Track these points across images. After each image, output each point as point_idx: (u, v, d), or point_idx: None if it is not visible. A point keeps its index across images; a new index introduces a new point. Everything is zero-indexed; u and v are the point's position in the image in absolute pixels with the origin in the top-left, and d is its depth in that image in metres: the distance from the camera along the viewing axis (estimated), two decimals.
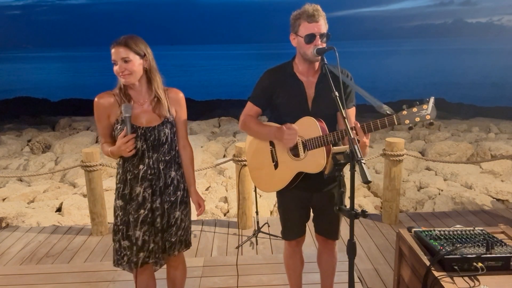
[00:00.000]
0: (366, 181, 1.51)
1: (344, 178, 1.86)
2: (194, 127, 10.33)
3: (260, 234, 3.84)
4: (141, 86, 2.08)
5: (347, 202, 1.86)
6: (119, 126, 2.04)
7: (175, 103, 2.16)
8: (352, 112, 2.17)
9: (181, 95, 2.19)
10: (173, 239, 2.19)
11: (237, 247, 3.67)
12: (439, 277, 1.73)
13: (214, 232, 4.01)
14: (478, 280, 1.71)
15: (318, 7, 1.97)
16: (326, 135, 1.96)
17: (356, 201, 5.13)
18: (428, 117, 1.72)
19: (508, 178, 5.80)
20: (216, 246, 3.74)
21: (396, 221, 4.10)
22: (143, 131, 2.04)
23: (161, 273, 2.44)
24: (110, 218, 4.20)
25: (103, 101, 2.05)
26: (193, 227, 4.03)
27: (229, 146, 8.06)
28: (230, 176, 6.10)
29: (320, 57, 2.00)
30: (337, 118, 2.13)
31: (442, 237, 1.98)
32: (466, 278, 1.73)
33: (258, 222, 3.82)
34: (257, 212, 3.83)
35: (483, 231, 2.02)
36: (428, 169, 6.50)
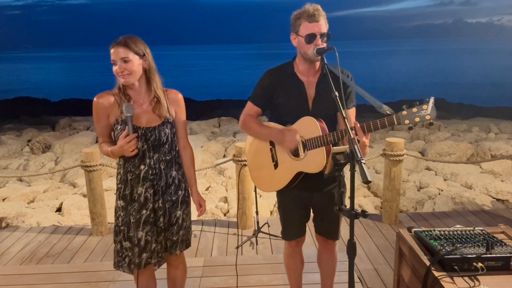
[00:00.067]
0: (366, 181, 1.51)
1: (344, 178, 1.86)
2: (194, 127, 10.33)
3: (260, 234, 3.84)
4: (140, 86, 2.08)
5: (347, 202, 1.86)
6: (119, 126, 2.04)
7: (175, 104, 2.16)
8: (352, 112, 2.17)
9: (180, 96, 2.20)
10: (174, 238, 2.20)
11: (237, 247, 3.67)
12: (439, 277, 1.73)
13: (214, 232, 4.01)
14: (478, 280, 1.71)
15: (319, 6, 1.97)
16: (326, 135, 1.96)
17: (356, 201, 5.13)
18: (428, 117, 1.72)
19: (508, 178, 5.80)
20: (216, 246, 3.74)
21: (396, 221, 4.10)
22: (143, 131, 2.04)
23: (161, 273, 2.44)
24: (110, 218, 4.20)
25: (102, 100, 2.05)
26: (193, 227, 4.02)
27: (229, 146, 8.06)
28: (230, 176, 6.10)
29: (320, 57, 2.00)
30: (337, 118, 2.13)
31: (442, 237, 1.98)
32: (466, 278, 1.73)
33: (258, 222, 3.82)
34: (257, 212, 3.83)
35: (483, 231, 2.02)
36: (428, 169, 6.50)
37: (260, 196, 5.06)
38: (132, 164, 2.08)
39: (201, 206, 2.32)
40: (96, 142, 8.93)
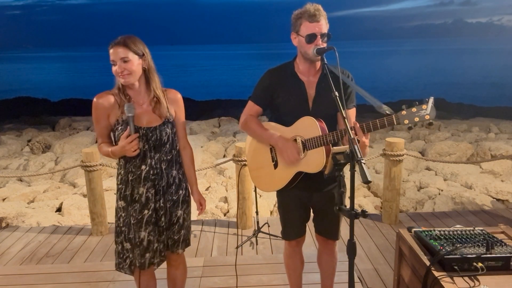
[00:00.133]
0: (366, 181, 1.51)
1: (344, 178, 1.86)
2: (194, 127, 10.33)
3: (260, 234, 3.84)
4: (140, 86, 2.08)
5: (347, 202, 1.86)
6: (120, 127, 2.03)
7: (174, 104, 2.17)
8: (352, 112, 2.17)
9: (179, 96, 2.20)
10: (176, 237, 2.21)
11: (237, 247, 3.67)
12: (439, 277, 1.73)
13: (214, 232, 4.01)
14: (478, 280, 1.71)
15: (320, 6, 1.97)
16: (325, 135, 1.96)
17: (356, 201, 5.13)
18: (427, 117, 1.72)
19: (508, 178, 5.80)
20: (216, 246, 3.74)
21: (396, 221, 4.10)
22: (144, 131, 2.04)
23: (161, 273, 2.44)
24: (110, 218, 4.20)
25: (102, 101, 2.05)
26: (193, 227, 4.04)
27: (229, 146, 8.06)
28: (230, 176, 6.10)
29: (320, 57, 2.00)
30: (337, 118, 2.13)
31: (442, 237, 1.98)
32: (466, 278, 1.73)
33: (258, 222, 3.82)
34: (257, 212, 3.83)
35: (483, 231, 2.02)
36: (428, 169, 6.50)
37: (260, 196, 5.06)
38: (133, 164, 2.08)
39: (201, 205, 2.32)
40: (96, 142, 8.91)
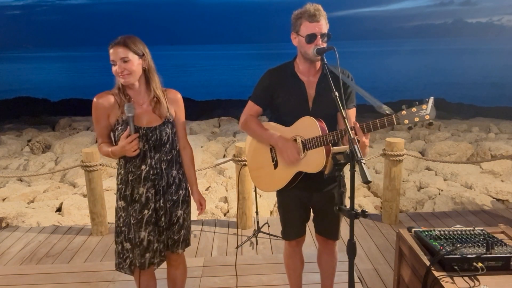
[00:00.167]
0: (366, 181, 1.51)
1: (344, 178, 1.86)
2: (194, 127, 10.32)
3: (260, 234, 3.84)
4: (140, 86, 2.08)
5: (347, 202, 1.86)
6: (120, 127, 2.03)
7: (174, 104, 2.17)
8: (352, 112, 2.17)
9: (179, 96, 2.20)
10: (176, 237, 2.21)
11: (237, 247, 3.67)
12: (439, 277, 1.73)
13: (214, 232, 4.01)
14: (478, 280, 1.71)
15: (320, 6, 1.97)
16: (325, 135, 1.96)
17: (356, 201, 5.13)
18: (427, 117, 1.72)
19: (508, 178, 5.80)
20: (216, 246, 3.74)
21: (396, 221, 4.10)
22: (144, 131, 2.04)
23: (161, 273, 2.44)
24: (110, 218, 4.20)
25: (102, 101, 2.05)
26: (193, 227, 4.04)
27: (229, 146, 8.06)
28: (230, 176, 6.10)
29: (320, 57, 2.00)
30: (337, 118, 2.13)
31: (442, 237, 1.98)
32: (466, 278, 1.73)
33: (258, 222, 3.82)
34: (257, 212, 3.83)
35: (483, 231, 2.02)
36: (428, 169, 6.50)
37: (260, 196, 5.06)
38: (133, 164, 2.08)
39: (201, 205, 2.33)
40: (96, 142, 8.91)
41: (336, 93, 1.79)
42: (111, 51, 1.95)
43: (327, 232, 2.34)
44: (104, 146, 2.10)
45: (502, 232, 2.14)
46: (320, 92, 2.11)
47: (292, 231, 2.36)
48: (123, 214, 2.12)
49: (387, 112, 1.76)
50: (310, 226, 2.38)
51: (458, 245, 1.84)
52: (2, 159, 7.70)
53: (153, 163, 2.08)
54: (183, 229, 2.23)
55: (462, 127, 9.70)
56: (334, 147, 1.77)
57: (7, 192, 5.67)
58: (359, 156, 1.59)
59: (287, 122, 2.12)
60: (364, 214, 1.58)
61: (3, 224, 4.55)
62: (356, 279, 3.07)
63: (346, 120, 1.72)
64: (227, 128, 10.13)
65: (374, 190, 5.61)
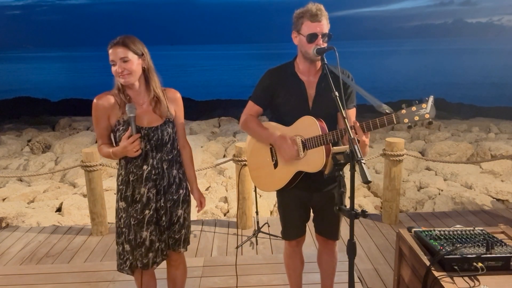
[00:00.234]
0: (366, 181, 1.51)
1: (344, 178, 1.86)
2: (194, 127, 10.32)
3: (260, 234, 3.84)
4: (140, 86, 2.07)
5: (347, 202, 1.86)
6: (121, 127, 2.03)
7: (174, 103, 2.17)
8: (352, 112, 2.17)
9: (178, 95, 2.21)
10: (177, 236, 2.21)
11: (237, 247, 3.67)
12: (439, 277, 1.73)
13: (214, 232, 4.01)
14: (478, 280, 1.71)
15: (322, 6, 1.98)
16: (325, 134, 1.96)
17: (356, 201, 5.13)
18: (427, 116, 1.72)
19: (508, 178, 5.80)
20: (216, 246, 3.74)
21: (396, 221, 4.10)
22: (146, 131, 2.04)
23: (161, 273, 2.44)
24: (110, 218, 4.20)
25: (102, 101, 2.04)
26: (193, 227, 4.04)
27: (229, 146, 8.06)
28: (230, 176, 6.10)
29: (320, 57, 2.00)
30: (337, 118, 2.13)
31: (442, 237, 1.98)
32: (466, 278, 1.73)
33: (258, 222, 3.82)
34: (257, 212, 3.83)
35: (483, 231, 2.02)
36: (428, 169, 6.50)
37: (260, 196, 5.06)
38: (135, 164, 2.08)
39: (201, 203, 2.34)
40: (96, 142, 8.91)
41: (336, 93, 1.79)
42: (110, 51, 1.95)
43: (327, 232, 2.34)
44: (105, 147, 2.10)
45: (502, 232, 2.14)
46: (320, 92, 2.11)
47: (292, 231, 2.36)
48: (123, 215, 2.12)
49: (387, 111, 1.76)
50: (310, 226, 2.38)
51: (458, 245, 1.84)
52: (2, 159, 7.70)
53: (154, 163, 2.08)
54: (184, 228, 2.24)
55: (462, 127, 9.70)
56: (334, 147, 1.77)
57: (7, 192, 5.67)
58: (359, 156, 1.59)
59: (287, 122, 2.12)
60: (364, 214, 1.58)
61: (3, 224, 4.55)
62: (356, 279, 3.07)
63: (346, 120, 1.72)
64: (227, 128, 10.13)
65: (374, 190, 5.61)
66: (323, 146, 1.97)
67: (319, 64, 2.11)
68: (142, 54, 2.01)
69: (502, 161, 6.23)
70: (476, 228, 2.05)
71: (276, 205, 3.03)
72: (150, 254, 2.12)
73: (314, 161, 2.01)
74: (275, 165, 2.18)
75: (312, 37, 1.97)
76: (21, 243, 3.90)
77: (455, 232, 2.02)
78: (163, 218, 2.13)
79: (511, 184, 5.38)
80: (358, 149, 1.61)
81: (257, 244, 3.72)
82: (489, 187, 5.29)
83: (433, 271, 1.77)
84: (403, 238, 2.11)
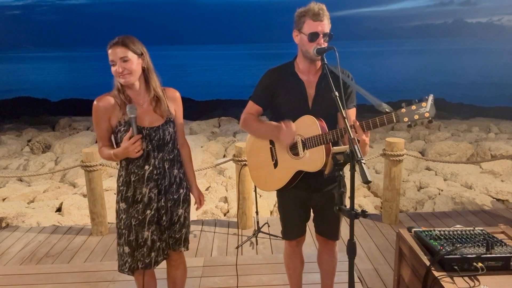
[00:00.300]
0: (366, 181, 1.51)
1: (344, 178, 1.86)
2: (194, 127, 10.32)
3: (260, 234, 3.84)
4: (140, 86, 2.07)
5: (347, 202, 1.86)
6: (122, 128, 2.03)
7: (174, 102, 2.18)
8: (352, 112, 2.16)
9: (178, 94, 2.21)
10: (177, 236, 2.22)
11: (237, 247, 3.67)
12: (439, 277, 1.73)
13: (214, 232, 4.01)
14: (478, 280, 1.71)
15: (324, 6, 1.98)
16: (325, 133, 1.96)
17: (356, 201, 5.13)
18: (427, 114, 1.71)
19: (508, 178, 5.80)
20: (216, 246, 3.74)
21: (396, 221, 4.10)
22: (147, 131, 2.04)
23: (161, 273, 2.44)
24: (110, 218, 4.20)
25: (103, 103, 2.04)
26: (193, 227, 4.04)
27: (229, 146, 8.06)
28: (230, 176, 6.10)
29: (320, 57, 2.00)
30: (337, 118, 2.13)
31: (442, 237, 1.98)
32: (466, 278, 1.73)
33: (258, 222, 3.82)
34: (257, 212, 3.83)
35: (483, 231, 2.02)
36: (428, 169, 6.50)
37: (260, 196, 5.06)
38: (136, 165, 2.07)
39: (200, 201, 2.35)
40: (97, 142, 8.90)
41: (336, 93, 1.79)
42: (109, 51, 1.95)
43: (327, 232, 2.34)
44: (105, 149, 2.09)
45: (502, 232, 2.14)
46: (320, 92, 2.11)
47: (292, 231, 2.36)
48: (123, 217, 2.12)
49: (387, 110, 1.76)
50: (310, 226, 2.38)
51: (458, 245, 1.84)
52: (2, 159, 7.70)
53: (156, 162, 2.08)
54: (184, 228, 2.24)
55: (462, 127, 9.70)
56: (334, 147, 1.77)
57: (7, 192, 5.67)
58: (359, 156, 1.59)
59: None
60: (364, 214, 1.58)
61: (3, 224, 4.55)
62: (356, 279, 3.07)
63: (346, 120, 1.72)
64: (227, 128, 10.13)
65: (374, 190, 5.61)
66: (323, 146, 1.97)
67: (319, 63, 2.11)
68: (142, 54, 2.01)
69: (502, 161, 6.23)
70: (476, 228, 2.05)
71: (276, 205, 3.03)
72: (153, 254, 2.12)
73: (314, 160, 2.01)
74: (275, 165, 2.18)
75: (313, 36, 1.98)
76: (21, 243, 3.90)
77: (455, 232, 2.02)
78: (164, 218, 2.14)
79: (511, 184, 5.38)
80: (358, 149, 1.61)
81: (257, 244, 3.72)
82: (489, 187, 5.29)
83: (433, 271, 1.77)
84: (403, 238, 2.11)
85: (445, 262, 1.78)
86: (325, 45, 2.00)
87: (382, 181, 4.32)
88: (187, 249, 2.29)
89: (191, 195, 2.32)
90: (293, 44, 2.12)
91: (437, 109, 1.73)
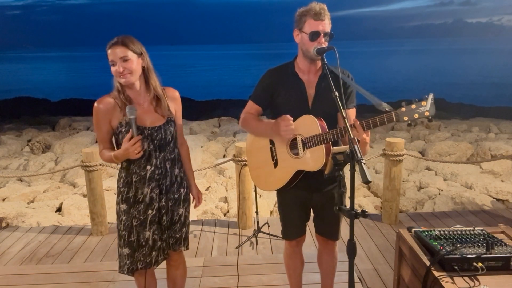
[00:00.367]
0: (366, 181, 1.51)
1: (344, 178, 1.86)
2: (194, 127, 10.32)
3: (260, 234, 3.84)
4: (140, 86, 2.07)
5: (347, 202, 1.86)
6: (123, 129, 2.03)
7: (174, 102, 2.18)
8: (352, 112, 2.17)
9: (177, 94, 2.22)
10: (177, 235, 2.22)
11: (237, 247, 3.67)
12: (439, 277, 1.73)
13: (214, 232, 4.01)
14: (478, 280, 1.71)
15: (325, 6, 1.99)
16: (325, 133, 1.97)
17: (356, 201, 5.13)
18: (427, 113, 1.71)
19: (508, 178, 5.80)
20: (216, 246, 3.74)
21: (396, 221, 4.10)
22: (149, 131, 2.04)
23: (161, 273, 2.44)
24: (110, 218, 4.20)
25: (103, 105, 2.03)
26: (193, 227, 4.04)
27: (229, 146, 8.05)
28: (230, 176, 6.10)
29: (320, 57, 2.01)
30: (337, 118, 2.14)
31: (442, 237, 1.98)
32: (466, 278, 1.73)
33: (258, 222, 3.82)
34: (257, 212, 3.83)
35: (483, 231, 2.02)
36: (428, 169, 6.50)
37: (260, 196, 5.06)
38: (138, 165, 2.07)
39: (199, 199, 2.36)
40: (97, 142, 8.89)
41: (336, 93, 1.79)
42: (109, 51, 1.94)
43: (327, 232, 2.34)
44: (106, 152, 2.09)
45: (502, 232, 2.14)
46: (320, 92, 2.11)
47: (292, 231, 2.36)
48: (124, 218, 2.11)
49: (387, 109, 1.76)
50: (310, 226, 2.38)
51: (458, 245, 1.84)
52: (2, 159, 7.70)
53: (158, 162, 2.08)
54: (185, 227, 2.25)
55: (462, 127, 9.70)
56: (334, 147, 1.77)
57: (7, 192, 5.67)
58: (359, 156, 1.59)
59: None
60: (364, 214, 1.58)
61: (3, 224, 4.55)
62: (356, 279, 3.07)
63: (346, 120, 1.72)
64: (227, 128, 10.13)
65: (374, 190, 5.61)
66: (323, 145, 1.98)
67: (319, 63, 2.11)
68: (141, 54, 2.01)
69: (502, 161, 6.23)
70: (476, 228, 2.05)
71: (276, 205, 3.03)
72: (154, 253, 2.13)
73: (314, 160, 2.01)
74: (275, 165, 2.18)
75: (314, 35, 1.98)
76: (21, 243, 3.90)
77: (455, 232, 2.02)
78: (164, 218, 2.14)
79: (511, 184, 5.38)
80: (358, 149, 1.61)
81: (257, 244, 3.72)
82: (489, 187, 5.29)
83: (433, 271, 1.77)
84: (403, 238, 2.11)
85: (445, 262, 1.78)
86: (325, 44, 2.00)
87: (382, 181, 4.32)
88: (187, 248, 2.30)
89: (190, 194, 2.32)
90: (293, 44, 2.13)
91: (437, 109, 1.73)
